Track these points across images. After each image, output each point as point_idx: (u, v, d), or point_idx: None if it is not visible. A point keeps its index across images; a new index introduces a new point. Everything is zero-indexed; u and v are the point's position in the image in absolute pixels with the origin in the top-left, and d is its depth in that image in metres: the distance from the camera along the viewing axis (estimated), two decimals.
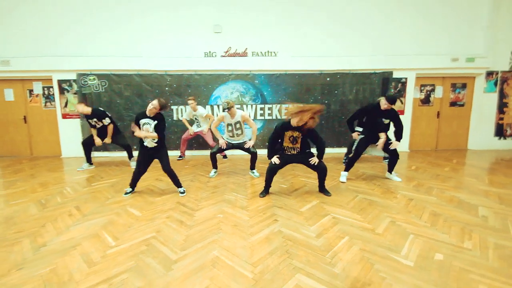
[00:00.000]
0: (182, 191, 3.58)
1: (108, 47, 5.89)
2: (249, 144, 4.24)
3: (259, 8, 5.93)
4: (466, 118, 6.62)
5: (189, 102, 5.13)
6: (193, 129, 5.39)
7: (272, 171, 3.42)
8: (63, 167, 5.25)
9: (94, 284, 1.83)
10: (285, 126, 3.33)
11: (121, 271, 1.96)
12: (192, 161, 5.60)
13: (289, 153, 3.46)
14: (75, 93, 5.89)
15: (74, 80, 5.83)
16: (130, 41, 5.90)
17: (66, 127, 6.03)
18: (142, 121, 3.41)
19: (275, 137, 3.42)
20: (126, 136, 5.22)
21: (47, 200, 3.44)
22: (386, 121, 4.14)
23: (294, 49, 6.09)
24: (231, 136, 4.33)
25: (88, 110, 4.64)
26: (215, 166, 4.46)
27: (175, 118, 6.03)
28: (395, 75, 6.11)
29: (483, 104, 6.43)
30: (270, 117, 6.16)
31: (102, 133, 4.83)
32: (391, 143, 3.94)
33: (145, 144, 3.48)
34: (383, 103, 3.82)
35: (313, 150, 3.49)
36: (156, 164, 3.64)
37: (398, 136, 3.94)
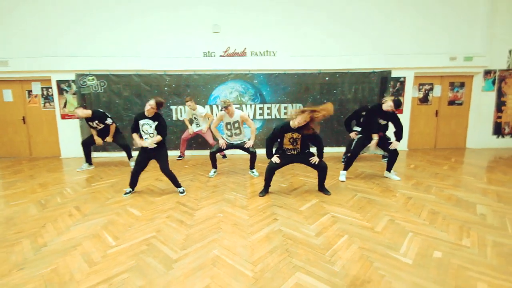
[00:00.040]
0: (182, 190, 3.59)
1: (107, 47, 5.89)
2: (249, 144, 4.25)
3: (258, 8, 5.94)
4: (465, 116, 6.64)
5: (187, 104, 5.15)
6: (193, 128, 5.39)
7: (271, 170, 3.43)
8: (63, 167, 5.25)
9: (95, 283, 1.84)
10: (284, 128, 3.33)
11: (121, 271, 1.97)
12: (192, 161, 5.61)
13: (289, 154, 3.48)
14: (74, 94, 5.89)
15: (73, 81, 5.83)
16: (129, 41, 5.90)
17: (65, 127, 6.03)
18: (141, 122, 3.42)
19: (273, 138, 3.43)
20: (125, 136, 5.22)
21: (47, 201, 3.44)
22: (383, 123, 4.16)
23: (293, 49, 6.10)
24: (229, 136, 4.34)
25: (88, 112, 4.64)
26: (214, 165, 4.47)
27: (174, 118, 6.03)
28: (394, 74, 6.13)
29: (481, 103, 6.45)
30: (269, 117, 6.17)
31: (102, 133, 4.84)
32: (391, 143, 3.97)
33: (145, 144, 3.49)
34: (388, 105, 3.83)
35: (312, 150, 3.51)
36: (156, 164, 3.64)
37: (398, 136, 3.97)
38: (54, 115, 6.06)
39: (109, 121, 4.78)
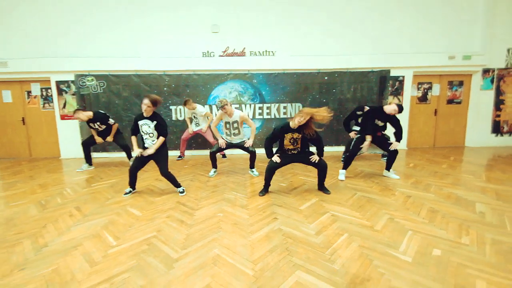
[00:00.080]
0: (182, 190, 3.59)
1: (106, 47, 5.89)
2: (248, 143, 4.26)
3: (257, 8, 5.94)
4: (463, 115, 6.66)
5: (187, 107, 5.15)
6: (192, 128, 5.40)
7: (272, 170, 3.44)
8: (62, 168, 5.25)
9: (96, 283, 1.85)
10: (284, 128, 3.34)
11: (122, 270, 1.97)
12: (192, 160, 5.62)
13: (289, 153, 3.49)
14: (73, 94, 5.89)
15: (72, 81, 5.83)
16: (128, 41, 5.90)
17: (64, 128, 6.03)
18: (140, 123, 3.43)
19: (273, 138, 3.44)
20: (125, 137, 5.23)
21: (47, 201, 3.45)
22: (381, 124, 4.19)
23: (292, 48, 6.11)
24: (228, 135, 4.35)
25: (89, 114, 4.65)
26: (214, 165, 4.48)
27: (173, 118, 6.03)
28: (393, 73, 6.14)
29: (480, 102, 6.47)
30: (269, 116, 6.18)
31: (102, 134, 4.86)
32: (391, 143, 3.99)
33: (145, 145, 3.50)
34: (392, 109, 3.85)
35: (312, 149, 3.52)
36: (155, 164, 3.64)
37: (398, 137, 4.01)
38: (53, 116, 6.06)
39: (111, 121, 4.81)
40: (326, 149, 3.74)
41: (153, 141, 3.46)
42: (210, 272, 1.94)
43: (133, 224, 2.75)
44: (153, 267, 2.01)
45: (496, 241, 2.30)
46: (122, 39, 5.89)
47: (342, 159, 5.33)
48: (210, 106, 6.05)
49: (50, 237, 2.51)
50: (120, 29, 5.86)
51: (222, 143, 4.28)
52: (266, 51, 6.10)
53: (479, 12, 6.17)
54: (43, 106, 6.11)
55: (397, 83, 6.24)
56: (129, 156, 5.15)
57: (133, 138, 3.57)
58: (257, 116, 6.16)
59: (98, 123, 4.72)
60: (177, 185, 3.60)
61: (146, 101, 3.31)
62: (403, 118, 6.06)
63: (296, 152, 3.47)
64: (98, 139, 4.86)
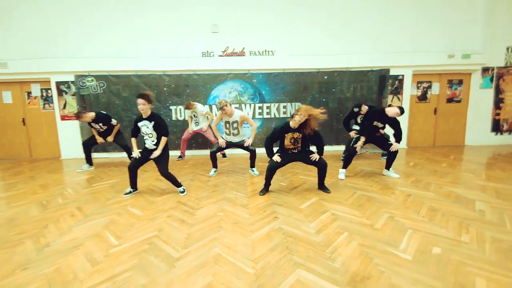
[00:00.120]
0: (182, 190, 3.60)
1: (106, 48, 5.90)
2: (248, 142, 4.28)
3: (256, 8, 5.95)
4: (463, 114, 6.67)
5: (192, 109, 5.16)
6: (192, 127, 5.40)
7: (272, 169, 3.45)
8: (63, 168, 5.26)
9: (98, 282, 1.86)
10: (284, 128, 3.35)
11: (124, 270, 1.99)
12: (192, 160, 5.63)
13: (290, 152, 3.50)
14: (73, 95, 5.90)
15: (72, 82, 5.84)
16: (128, 42, 5.91)
17: (65, 128, 6.04)
18: (140, 124, 3.45)
19: (273, 137, 3.45)
20: (125, 137, 5.24)
21: (48, 202, 3.46)
22: (380, 125, 4.20)
23: (292, 48, 6.11)
24: (227, 135, 4.36)
25: (92, 115, 4.66)
26: (215, 165, 4.49)
27: (173, 118, 6.04)
28: (392, 72, 6.15)
29: (480, 100, 6.48)
30: (269, 116, 6.19)
31: (103, 134, 4.88)
32: (391, 144, 4.01)
33: (146, 145, 3.52)
34: (395, 112, 3.86)
35: (312, 149, 3.53)
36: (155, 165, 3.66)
37: (398, 138, 4.03)
38: (53, 117, 6.07)
39: (114, 122, 4.84)
40: (326, 148, 3.76)
41: (152, 141, 3.48)
42: (211, 271, 1.95)
43: (134, 223, 2.76)
44: (155, 266, 2.02)
45: (496, 239, 2.31)
46: (122, 39, 5.89)
47: (342, 158, 5.35)
48: (210, 106, 6.05)
49: (51, 237, 2.52)
50: (119, 29, 5.87)
51: (222, 142, 4.29)
52: (265, 50, 6.11)
53: (478, 11, 6.17)
54: (43, 107, 6.11)
55: (396, 82, 6.25)
56: (130, 156, 5.15)
57: (133, 140, 3.58)
58: (257, 116, 6.17)
59: (100, 124, 4.74)
60: (178, 184, 3.61)
61: (140, 101, 3.30)
62: (403, 117, 6.05)
63: (296, 151, 3.49)
64: (99, 139, 4.88)
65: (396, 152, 4.05)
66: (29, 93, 6.07)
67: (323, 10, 6.02)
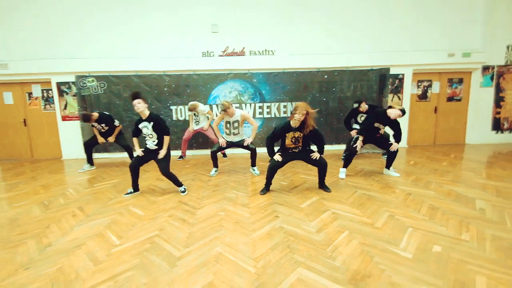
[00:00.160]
0: (183, 190, 3.61)
1: (106, 48, 5.91)
2: (248, 141, 4.29)
3: (256, 8, 5.95)
4: (463, 113, 6.67)
5: (199, 110, 5.17)
6: (193, 126, 5.41)
7: (273, 169, 3.46)
8: (64, 169, 5.28)
9: (100, 281, 1.87)
10: (285, 128, 3.36)
11: (126, 269, 2.00)
12: (193, 160, 5.64)
13: (290, 152, 3.51)
14: (74, 95, 5.91)
15: (73, 82, 5.85)
16: (128, 42, 5.92)
17: (66, 129, 6.06)
18: (140, 126, 3.47)
19: (273, 137, 3.46)
20: (126, 137, 5.26)
21: (50, 202, 3.47)
22: (382, 127, 4.21)
23: (292, 48, 6.12)
24: (228, 135, 4.37)
25: (95, 115, 4.67)
26: (215, 165, 4.50)
27: (174, 118, 6.06)
28: (392, 71, 6.16)
29: (480, 99, 6.48)
30: (269, 115, 6.20)
31: (104, 134, 4.89)
32: (391, 144, 4.02)
33: (147, 146, 3.53)
34: (397, 114, 3.87)
35: (312, 148, 3.54)
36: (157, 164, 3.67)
37: (397, 139, 4.05)
38: (54, 117, 6.08)
39: (117, 123, 4.89)
40: (327, 147, 3.77)
41: (153, 141, 3.49)
42: (212, 270, 1.96)
43: (136, 223, 2.77)
44: (156, 265, 2.04)
45: (496, 237, 2.31)
46: (122, 39, 5.91)
47: (342, 157, 5.35)
48: (211, 106, 6.06)
49: (53, 237, 2.53)
50: (120, 30, 5.88)
51: (222, 142, 4.30)
52: (265, 50, 6.12)
53: (478, 9, 6.17)
54: (44, 108, 6.13)
55: (397, 81, 6.25)
56: (131, 156, 5.17)
57: (135, 140, 3.61)
58: (257, 116, 6.17)
59: (103, 124, 4.76)
60: (179, 184, 3.62)
61: (136, 100, 3.30)
62: (404, 116, 6.06)
63: (297, 151, 3.50)
64: (100, 139, 4.90)
65: (396, 151, 4.06)
66: (30, 93, 6.09)
67: (323, 9, 6.02)
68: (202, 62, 6.01)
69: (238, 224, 2.67)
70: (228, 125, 4.29)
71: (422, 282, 1.78)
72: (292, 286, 1.77)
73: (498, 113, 6.53)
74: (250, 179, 4.21)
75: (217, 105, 6.06)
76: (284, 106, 6.15)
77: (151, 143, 3.49)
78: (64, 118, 6.02)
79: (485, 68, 6.34)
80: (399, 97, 6.31)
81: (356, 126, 5.04)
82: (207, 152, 5.84)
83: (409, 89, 6.31)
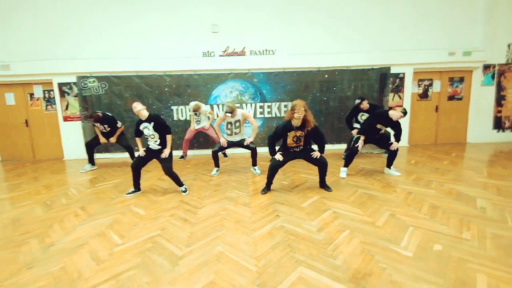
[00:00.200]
0: (184, 189, 3.63)
1: (107, 49, 5.93)
2: (248, 140, 4.30)
3: (256, 7, 5.96)
4: (465, 111, 6.66)
5: (201, 111, 5.19)
6: (194, 126, 5.42)
7: (274, 168, 3.47)
8: (66, 169, 5.30)
9: (103, 280, 1.88)
10: (287, 127, 3.37)
11: (128, 268, 2.01)
12: (194, 160, 5.65)
13: (292, 151, 3.52)
14: (75, 96, 5.93)
15: (74, 83, 5.87)
16: (129, 42, 5.94)
17: (67, 129, 6.08)
18: (141, 127, 3.50)
19: (275, 136, 3.46)
20: (127, 137, 5.28)
21: (52, 202, 3.50)
22: (383, 128, 4.22)
23: (292, 47, 6.12)
24: (229, 135, 4.38)
25: (100, 115, 4.70)
26: (217, 164, 4.51)
27: (175, 119, 6.07)
28: (393, 70, 6.15)
29: (481, 98, 6.46)
30: (270, 115, 6.20)
31: (106, 135, 4.92)
32: (392, 143, 4.03)
33: (149, 146, 3.55)
34: (399, 116, 3.88)
35: (314, 147, 3.55)
36: (159, 164, 3.68)
37: (397, 138, 4.06)
38: (56, 118, 6.11)
39: (119, 124, 4.93)
40: (327, 147, 3.78)
41: (155, 141, 3.51)
42: (214, 269, 1.97)
43: (138, 223, 2.78)
44: (158, 264, 2.05)
45: (497, 236, 2.32)
46: (123, 40, 5.92)
47: (343, 156, 5.36)
48: (212, 106, 6.08)
49: (56, 237, 2.55)
50: (120, 30, 5.90)
51: (223, 142, 4.31)
52: (266, 50, 6.12)
53: (479, 8, 6.15)
54: (46, 108, 6.16)
55: (397, 80, 6.25)
56: (132, 157, 5.19)
57: (138, 139, 3.63)
58: (258, 115, 6.18)
59: (106, 125, 4.79)
60: (180, 184, 3.64)
61: (135, 104, 3.40)
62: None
63: (298, 149, 3.51)
64: (102, 139, 4.92)
65: (396, 150, 4.07)
66: (31, 94, 6.11)
67: (323, 9, 6.02)
68: (203, 62, 6.02)
69: (239, 224, 2.69)
70: (229, 125, 4.30)
71: (422, 281, 1.78)
72: (293, 284, 1.78)
73: (499, 111, 6.51)
74: (251, 178, 4.22)
75: (217, 105, 6.07)
76: (285, 106, 6.15)
77: (154, 143, 3.51)
78: (66, 119, 6.05)
79: (486, 67, 6.33)
80: (400, 96, 6.31)
81: (357, 125, 5.04)
82: (208, 152, 5.86)
83: (410, 88, 6.30)
